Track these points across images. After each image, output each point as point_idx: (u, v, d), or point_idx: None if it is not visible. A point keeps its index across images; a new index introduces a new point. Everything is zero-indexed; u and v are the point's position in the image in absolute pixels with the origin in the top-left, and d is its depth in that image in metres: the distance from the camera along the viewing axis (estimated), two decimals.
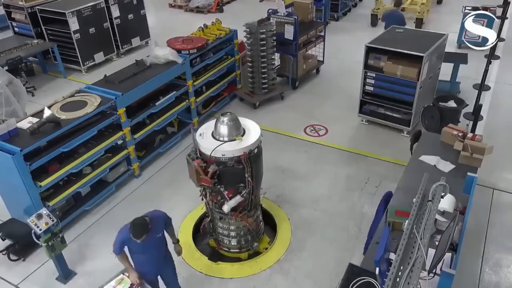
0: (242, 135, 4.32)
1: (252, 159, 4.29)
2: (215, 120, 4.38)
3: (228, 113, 4.31)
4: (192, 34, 7.91)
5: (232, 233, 4.93)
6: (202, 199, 4.72)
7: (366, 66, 6.98)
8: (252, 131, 4.44)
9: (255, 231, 5.00)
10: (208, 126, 4.50)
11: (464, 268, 4.67)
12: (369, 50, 6.87)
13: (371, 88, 7.06)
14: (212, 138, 4.33)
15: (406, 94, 6.74)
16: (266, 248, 5.14)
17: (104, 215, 5.74)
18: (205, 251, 5.21)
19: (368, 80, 7.03)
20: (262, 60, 7.78)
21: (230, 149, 4.18)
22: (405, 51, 6.50)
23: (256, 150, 4.35)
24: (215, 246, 5.17)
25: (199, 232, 5.35)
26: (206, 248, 5.26)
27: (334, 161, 6.65)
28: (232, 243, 5.00)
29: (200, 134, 4.41)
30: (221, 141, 4.25)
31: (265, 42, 7.59)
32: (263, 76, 7.96)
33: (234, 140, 4.25)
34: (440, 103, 6.52)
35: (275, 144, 7.03)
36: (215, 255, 5.14)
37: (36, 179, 5.00)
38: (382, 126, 7.26)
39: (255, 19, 7.74)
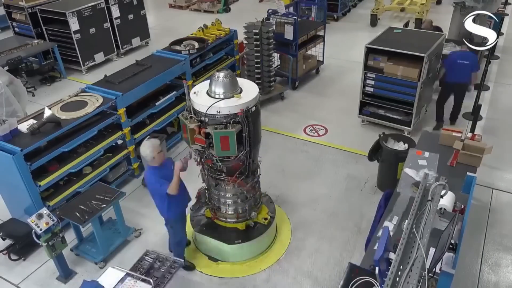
0: (239, 93, 4.14)
1: (250, 117, 4.12)
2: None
3: (224, 69, 4.15)
4: (192, 34, 7.92)
5: (229, 201, 4.74)
6: (197, 165, 4.58)
7: (366, 67, 6.97)
8: (250, 89, 4.27)
9: (253, 199, 4.83)
10: (203, 85, 4.34)
11: (463, 267, 4.69)
12: (369, 51, 6.86)
13: (371, 89, 7.06)
14: (207, 96, 4.18)
15: (407, 94, 6.74)
16: (266, 219, 4.98)
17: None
18: (201, 221, 5.06)
19: (368, 81, 7.02)
20: (262, 60, 7.78)
21: (226, 106, 4.01)
22: (406, 52, 6.49)
23: (254, 108, 4.18)
24: (211, 216, 4.98)
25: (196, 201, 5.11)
26: (202, 219, 5.08)
27: (333, 161, 6.66)
28: (229, 212, 4.84)
29: (195, 92, 4.24)
30: (216, 98, 4.08)
31: (264, 42, 7.59)
32: (262, 76, 7.96)
33: (231, 97, 4.08)
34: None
35: (275, 144, 7.05)
36: (211, 226, 4.97)
37: (36, 178, 5.01)
38: (382, 126, 7.27)
39: (255, 19, 7.75)
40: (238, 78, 4.34)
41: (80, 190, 5.54)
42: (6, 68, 8.03)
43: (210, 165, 4.47)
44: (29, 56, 9.16)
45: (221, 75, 4.11)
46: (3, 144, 4.86)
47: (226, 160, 4.28)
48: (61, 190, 5.38)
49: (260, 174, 4.89)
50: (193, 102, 4.18)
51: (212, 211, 4.96)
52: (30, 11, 9.91)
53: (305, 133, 7.38)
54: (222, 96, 4.11)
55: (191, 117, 4.20)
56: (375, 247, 3.27)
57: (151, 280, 4.00)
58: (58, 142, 5.21)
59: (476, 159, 4.67)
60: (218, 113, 4.04)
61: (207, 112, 4.03)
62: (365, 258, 3.70)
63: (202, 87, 4.35)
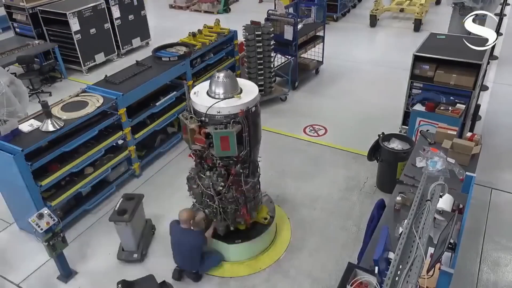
0: (239, 94, 4.17)
1: (250, 117, 4.14)
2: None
3: (224, 70, 4.18)
4: (180, 40, 7.71)
5: None
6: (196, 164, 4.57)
7: (413, 76, 6.46)
8: (250, 89, 4.28)
9: (253, 199, 4.80)
10: (204, 85, 4.37)
11: (462, 267, 4.71)
12: (416, 59, 6.32)
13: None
14: (207, 96, 4.20)
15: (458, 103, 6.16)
16: (266, 219, 5.01)
17: (105, 214, 5.76)
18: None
19: (414, 91, 6.51)
20: (260, 61, 7.77)
21: (226, 107, 4.03)
22: (462, 60, 6.00)
23: (254, 109, 4.21)
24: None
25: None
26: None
27: (333, 161, 6.68)
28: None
29: (195, 93, 4.27)
30: (217, 98, 4.12)
31: (262, 43, 7.57)
32: (256, 77, 7.94)
33: (231, 97, 4.10)
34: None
35: (274, 144, 7.07)
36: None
37: (36, 178, 5.02)
38: None
39: (255, 19, 7.76)
40: (238, 79, 4.36)
41: (81, 190, 5.55)
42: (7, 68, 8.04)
43: (210, 165, 4.49)
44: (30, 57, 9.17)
45: (221, 75, 4.13)
46: (4, 144, 4.87)
47: (226, 160, 4.28)
48: (63, 190, 5.38)
49: (260, 174, 4.91)
50: (193, 102, 4.20)
51: None
52: (30, 11, 9.92)
53: (305, 133, 7.40)
54: (222, 97, 4.13)
55: (191, 117, 4.22)
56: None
57: None
58: (59, 142, 5.23)
59: (465, 157, 4.67)
60: (218, 113, 4.06)
61: (207, 112, 4.05)
62: (364, 258, 3.71)
63: (202, 87, 4.37)
